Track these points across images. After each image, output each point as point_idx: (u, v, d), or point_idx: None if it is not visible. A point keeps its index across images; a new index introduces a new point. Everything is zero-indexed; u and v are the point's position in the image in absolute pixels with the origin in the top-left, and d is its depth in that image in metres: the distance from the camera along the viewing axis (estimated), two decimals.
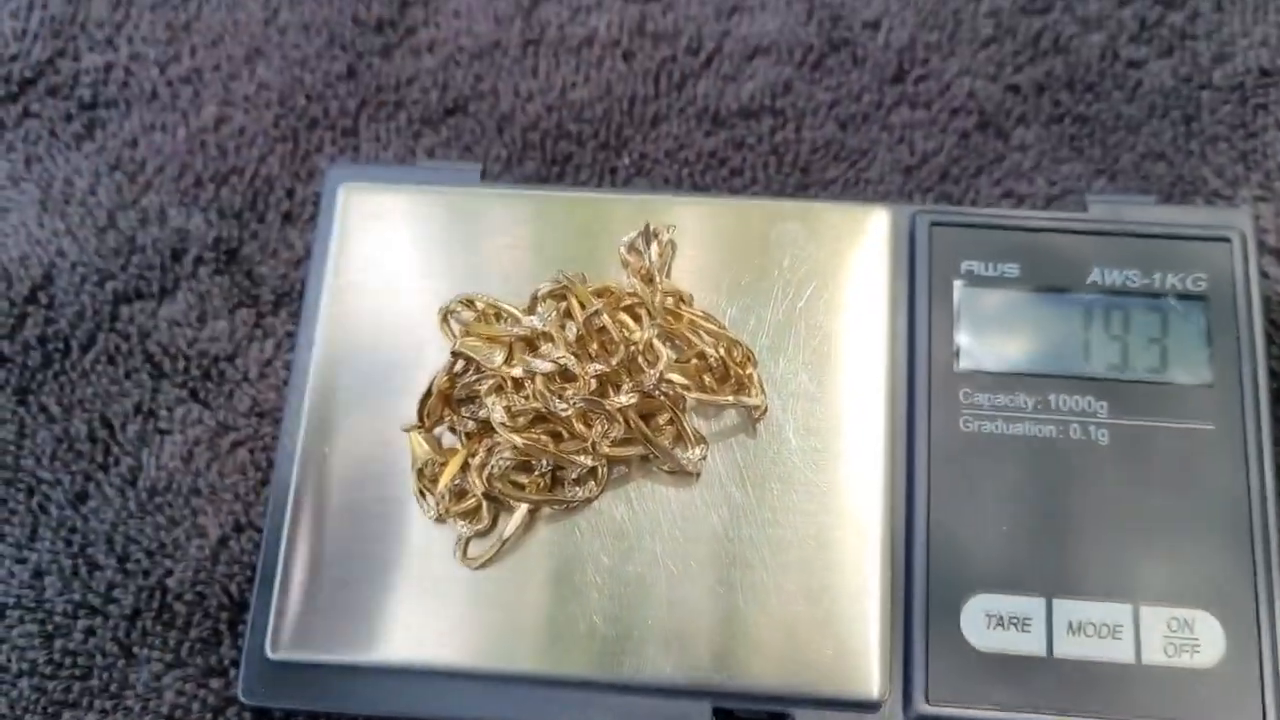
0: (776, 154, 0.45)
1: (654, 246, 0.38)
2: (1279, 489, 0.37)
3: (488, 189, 0.42)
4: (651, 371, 0.35)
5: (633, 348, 0.35)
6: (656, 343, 0.35)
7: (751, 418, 0.37)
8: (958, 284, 0.39)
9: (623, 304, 0.36)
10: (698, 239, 0.39)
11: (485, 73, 0.47)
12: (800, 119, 0.46)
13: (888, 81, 0.46)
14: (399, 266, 0.40)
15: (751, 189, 0.44)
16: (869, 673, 0.35)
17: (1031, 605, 0.36)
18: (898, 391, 0.38)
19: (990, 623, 0.36)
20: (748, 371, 0.36)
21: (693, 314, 0.36)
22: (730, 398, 0.36)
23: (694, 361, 0.36)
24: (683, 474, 0.37)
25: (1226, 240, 0.39)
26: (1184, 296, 0.39)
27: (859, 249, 0.39)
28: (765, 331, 0.38)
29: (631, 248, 0.38)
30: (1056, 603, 0.36)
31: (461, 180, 0.42)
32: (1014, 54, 0.46)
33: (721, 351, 0.36)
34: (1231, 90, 0.45)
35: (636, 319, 0.36)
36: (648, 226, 0.38)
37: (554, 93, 0.47)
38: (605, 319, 0.35)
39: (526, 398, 0.35)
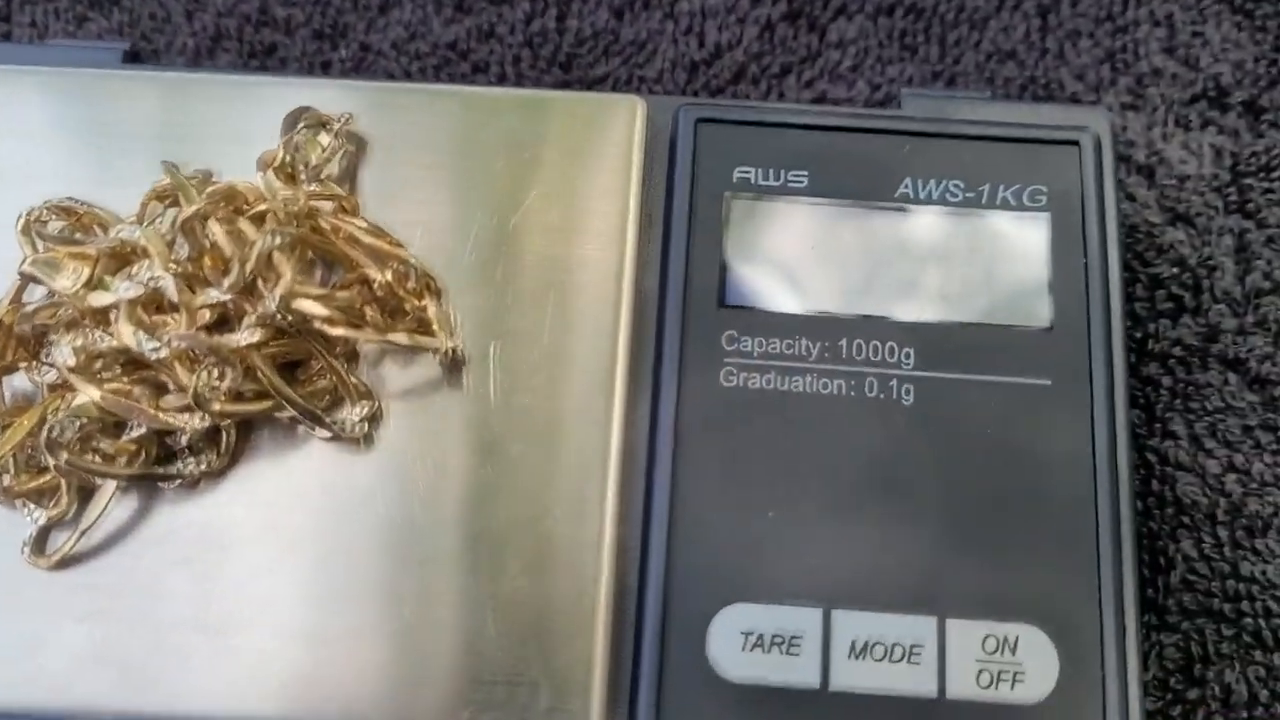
0: (531, 46, 0.35)
1: (325, 138, 0.28)
2: (1133, 464, 0.27)
3: (131, 72, 0.32)
4: (269, 296, 0.25)
5: (246, 265, 0.25)
6: (279, 257, 0.25)
7: (441, 366, 0.27)
8: (728, 196, 0.29)
9: (250, 211, 0.26)
10: (396, 137, 0.30)
11: None
12: (566, 4, 0.36)
13: None
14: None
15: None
16: (584, 711, 0.25)
17: (803, 619, 0.26)
18: (644, 334, 0.29)
19: (747, 643, 0.26)
20: (422, 304, 0.26)
21: (351, 225, 0.26)
22: (402, 337, 0.26)
23: (356, 290, 0.26)
24: (346, 441, 0.27)
25: (1074, 144, 0.30)
26: (1019, 217, 0.29)
27: (604, 151, 0.30)
28: (470, 253, 0.28)
29: (290, 142, 0.28)
30: (837, 615, 0.26)
31: (99, 62, 0.32)
32: None
33: (388, 276, 0.26)
34: None
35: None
36: (301, 112, 0.28)
37: None
38: (215, 227, 0.25)
39: (115, 335, 0.25)
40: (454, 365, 0.27)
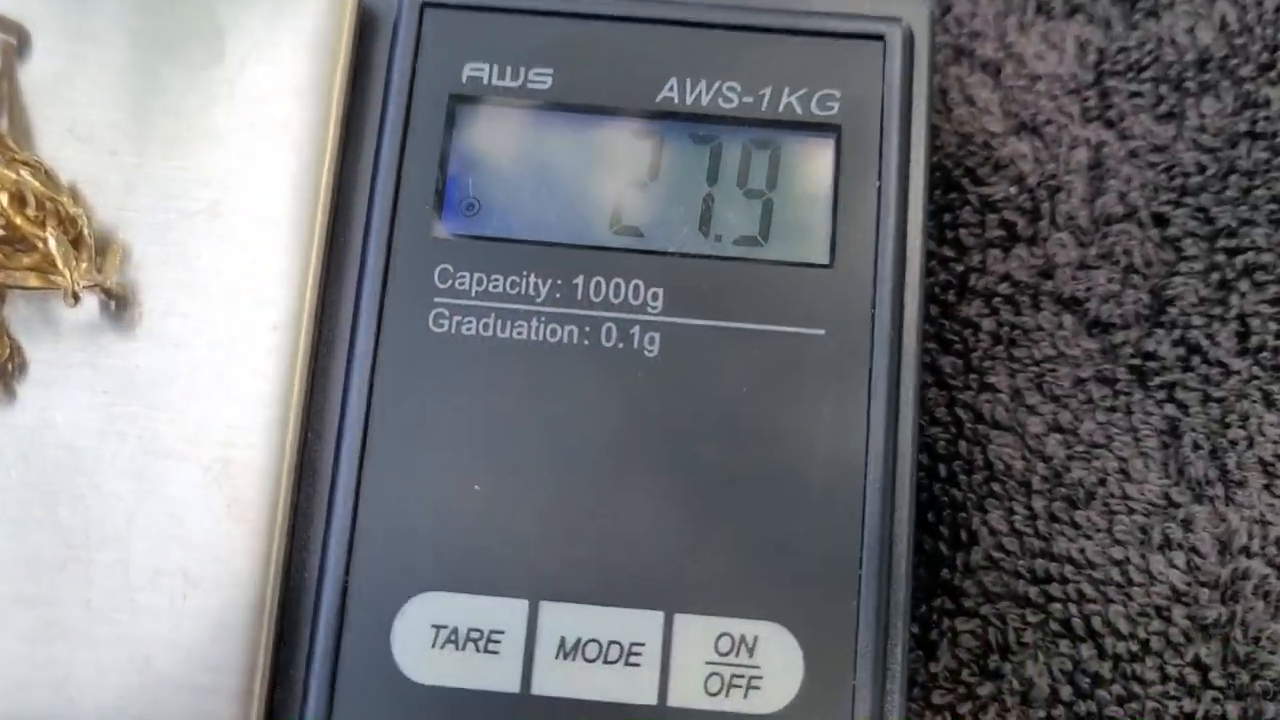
0: None
1: None
2: (917, 433, 0.23)
3: None
4: None
5: None
6: None
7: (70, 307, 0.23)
8: (454, 100, 0.24)
9: None
10: (63, 22, 0.25)
11: None
12: None
13: None
14: None
15: None
16: (238, 712, 0.22)
17: (505, 611, 0.22)
18: (344, 268, 0.24)
19: (438, 638, 0.22)
20: (45, 234, 0.22)
21: None
22: (24, 275, 0.22)
23: None
24: None
25: (878, 39, 0.24)
26: (804, 127, 0.24)
27: (306, 42, 0.24)
28: (136, 163, 0.24)
29: None
30: (544, 608, 0.22)
31: None
32: None
33: (3, 200, 0.21)
34: None
35: None
36: None
37: None
38: None
39: None
40: (109, 299, 0.23)
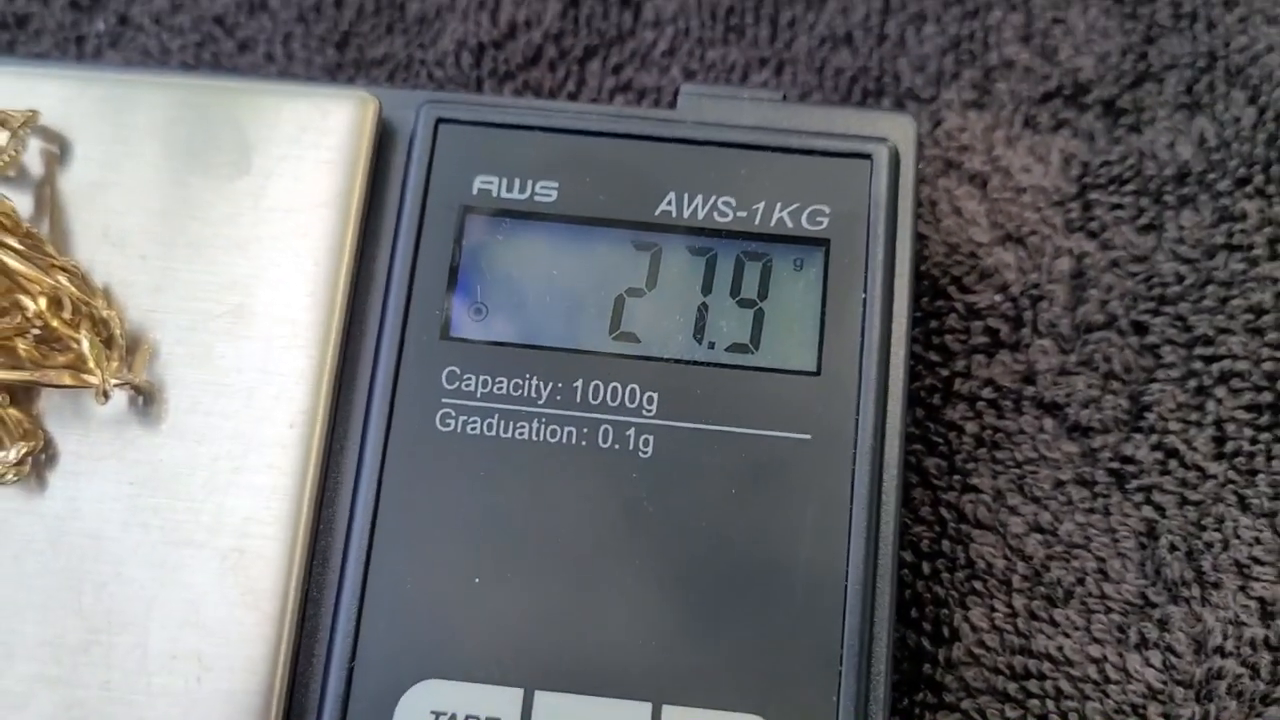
0: (305, 22, 0.32)
1: (3, 137, 0.25)
2: (899, 533, 0.24)
3: None
4: None
5: None
6: None
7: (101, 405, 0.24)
8: (465, 211, 0.26)
9: None
10: (100, 132, 0.26)
11: None
12: None
13: None
14: None
15: (264, 70, 0.31)
16: None
17: (501, 700, 0.24)
18: (357, 368, 0.25)
19: None
20: (79, 335, 0.23)
21: (6, 246, 0.23)
22: (56, 375, 0.23)
23: (8, 317, 0.23)
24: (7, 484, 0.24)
25: (866, 158, 0.26)
26: (794, 241, 0.26)
27: (328, 156, 0.26)
28: (153, 274, 0.25)
29: None
30: (539, 697, 0.23)
31: None
32: None
33: (41, 304, 0.23)
34: None
35: None
36: None
37: None
38: None
39: None
40: (137, 394, 0.24)
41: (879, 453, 0.25)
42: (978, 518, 0.27)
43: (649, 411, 0.25)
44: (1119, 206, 0.29)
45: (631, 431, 0.25)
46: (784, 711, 0.23)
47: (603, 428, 0.25)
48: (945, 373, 0.28)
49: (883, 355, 0.25)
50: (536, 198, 0.26)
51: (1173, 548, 0.27)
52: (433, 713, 0.24)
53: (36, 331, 0.24)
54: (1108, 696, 0.26)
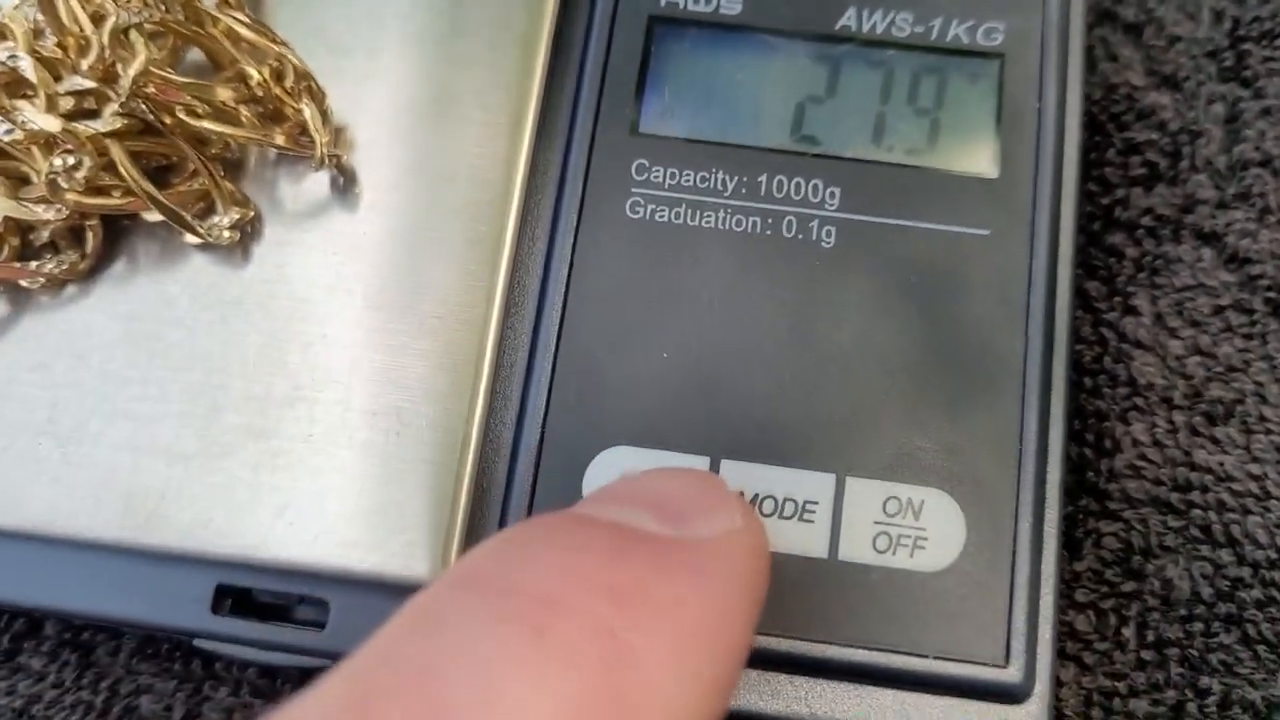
0: None
1: None
2: (1072, 328, 0.25)
3: None
4: (126, 73, 0.23)
5: (101, 43, 0.23)
6: (136, 37, 0.23)
7: (324, 172, 0.25)
8: (653, 21, 0.27)
9: None
10: None
11: None
12: None
13: None
14: None
15: None
16: (424, 548, 0.24)
17: (689, 465, 0.24)
18: (550, 159, 0.26)
19: None
20: (300, 105, 0.24)
21: (232, 17, 0.25)
22: (276, 138, 0.24)
23: (230, 86, 0.25)
24: (218, 249, 0.25)
25: None
26: (970, 54, 0.27)
27: None
28: (360, 64, 0.26)
29: None
30: (725, 465, 0.24)
31: None
32: None
33: (265, 73, 0.24)
34: None
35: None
36: None
37: None
38: (75, 5, 0.23)
39: None
40: (339, 174, 0.26)
41: (1054, 248, 0.25)
42: (1138, 338, 0.28)
43: (831, 205, 0.26)
44: (1271, 59, 0.30)
45: (815, 223, 0.26)
46: (966, 487, 0.24)
47: (787, 219, 0.26)
48: (1105, 201, 0.29)
49: (1057, 162, 0.26)
50: (722, 10, 0.27)
51: None
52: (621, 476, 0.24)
53: (257, 103, 0.25)
54: (1269, 511, 0.26)
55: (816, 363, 0.25)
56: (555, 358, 0.25)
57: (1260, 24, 0.30)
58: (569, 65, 0.27)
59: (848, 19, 0.27)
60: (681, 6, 0.27)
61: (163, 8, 0.24)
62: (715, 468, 0.24)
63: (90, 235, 0.25)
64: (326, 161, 0.25)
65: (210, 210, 0.25)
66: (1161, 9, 0.31)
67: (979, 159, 0.26)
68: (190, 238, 0.25)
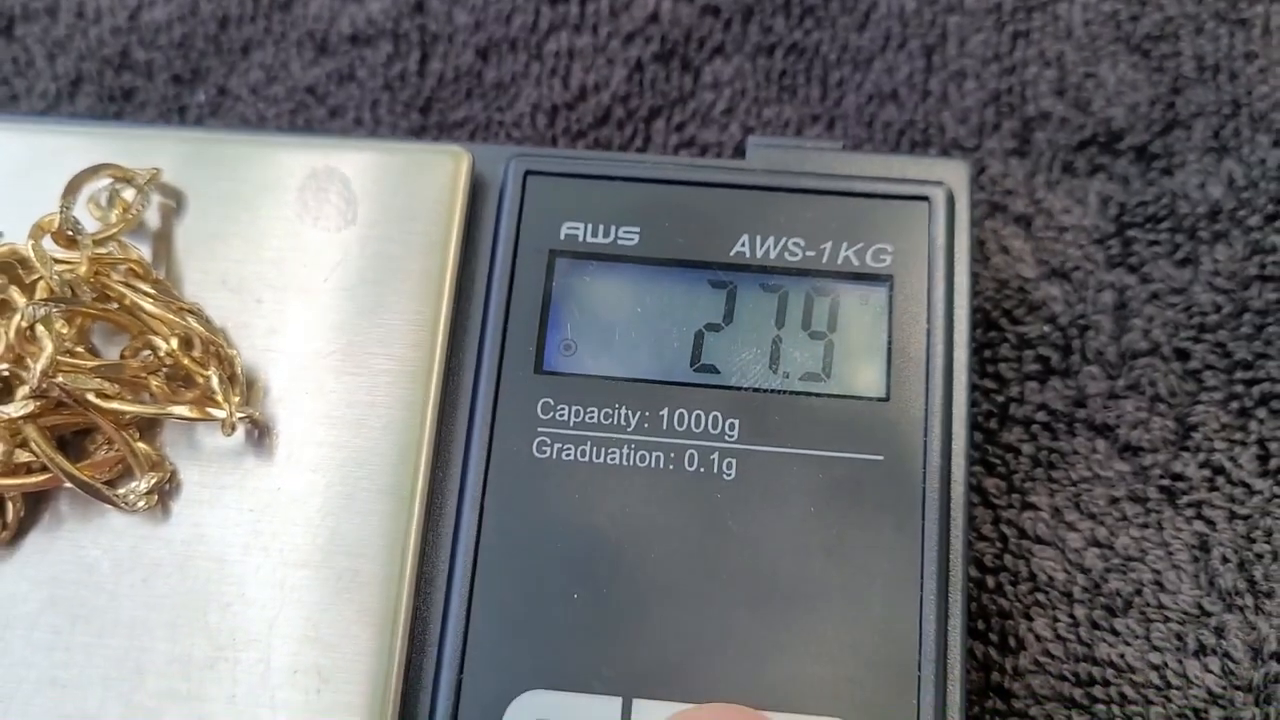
0: (391, 90, 0.34)
1: (130, 194, 0.27)
2: (968, 544, 0.26)
3: None
4: (35, 368, 0.24)
5: (3, 335, 0.24)
6: (42, 330, 0.24)
7: (229, 437, 0.26)
8: (553, 254, 0.28)
9: (29, 279, 0.25)
10: (211, 188, 0.29)
11: None
12: (429, 46, 0.35)
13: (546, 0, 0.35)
14: None
15: (355, 134, 0.34)
16: None
17: (601, 708, 0.25)
18: (458, 401, 0.27)
19: None
20: (207, 374, 0.25)
21: (136, 291, 0.25)
22: (183, 409, 0.25)
23: (139, 358, 0.25)
24: (140, 514, 0.26)
25: (924, 200, 0.28)
26: (860, 277, 0.28)
27: (424, 205, 0.28)
28: (268, 317, 0.27)
29: (68, 205, 0.27)
30: (637, 705, 0.25)
31: None
32: None
33: (173, 344, 0.25)
34: (986, 14, 0.35)
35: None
36: (92, 172, 0.27)
37: (124, 12, 0.36)
38: None
39: None
40: (254, 427, 0.26)
41: (947, 470, 0.27)
42: (1038, 534, 0.29)
43: (731, 436, 0.27)
44: (1156, 243, 0.32)
45: (715, 455, 0.27)
46: (867, 714, 0.25)
47: (689, 452, 0.27)
48: (1001, 398, 0.30)
49: (947, 381, 0.27)
50: (619, 241, 0.28)
51: (1224, 559, 0.29)
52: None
53: (166, 370, 0.26)
54: (1170, 701, 0.27)
55: (721, 595, 0.26)
56: (469, 604, 0.26)
57: (1145, 208, 0.32)
58: (473, 303, 0.28)
59: (741, 245, 0.28)
60: (581, 239, 0.28)
61: (69, 291, 0.25)
62: (628, 708, 0.25)
63: (10, 506, 0.26)
64: (234, 428, 0.25)
65: (129, 472, 0.26)
66: (1050, 198, 0.32)
67: (871, 382, 0.27)
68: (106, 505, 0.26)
